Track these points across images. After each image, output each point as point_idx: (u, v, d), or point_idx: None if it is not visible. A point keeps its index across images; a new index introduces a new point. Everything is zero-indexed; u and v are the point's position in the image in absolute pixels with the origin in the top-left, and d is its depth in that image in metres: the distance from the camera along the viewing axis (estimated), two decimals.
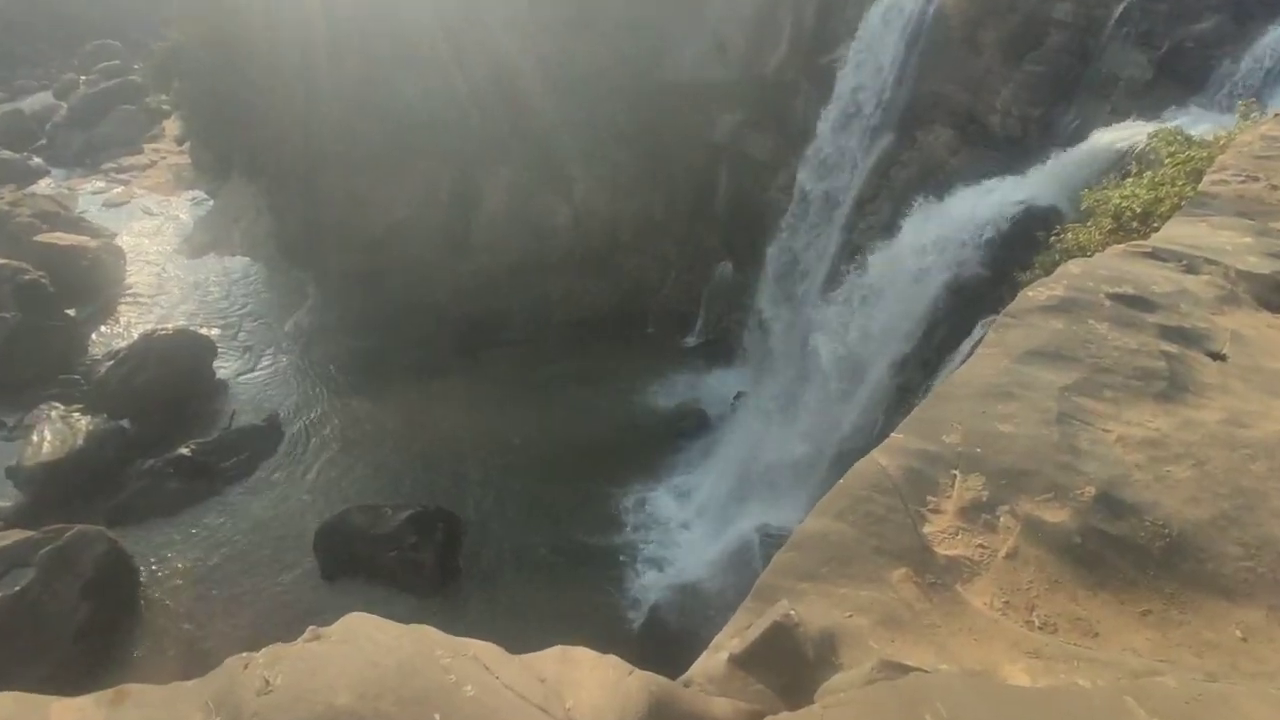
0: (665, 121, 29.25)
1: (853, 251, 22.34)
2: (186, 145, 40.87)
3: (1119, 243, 5.98)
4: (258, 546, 23.59)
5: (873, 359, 19.08)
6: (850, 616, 2.86)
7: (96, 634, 20.19)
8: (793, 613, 2.79)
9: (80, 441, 24.96)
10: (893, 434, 3.73)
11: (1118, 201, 8.96)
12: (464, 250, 31.18)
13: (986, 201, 17.81)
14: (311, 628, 2.44)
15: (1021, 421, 3.69)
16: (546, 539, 23.81)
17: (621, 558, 23.41)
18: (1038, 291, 4.58)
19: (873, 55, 22.87)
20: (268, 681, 2.31)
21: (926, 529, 3.29)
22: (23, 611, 19.41)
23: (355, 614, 2.58)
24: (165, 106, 46.19)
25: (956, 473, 3.48)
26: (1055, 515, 3.26)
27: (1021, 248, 16.92)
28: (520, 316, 31.14)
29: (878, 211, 22.64)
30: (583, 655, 2.73)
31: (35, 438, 25.05)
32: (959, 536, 3.25)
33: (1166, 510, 3.34)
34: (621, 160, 29.87)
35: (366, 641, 2.44)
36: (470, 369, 29.56)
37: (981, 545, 3.22)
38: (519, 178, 30.48)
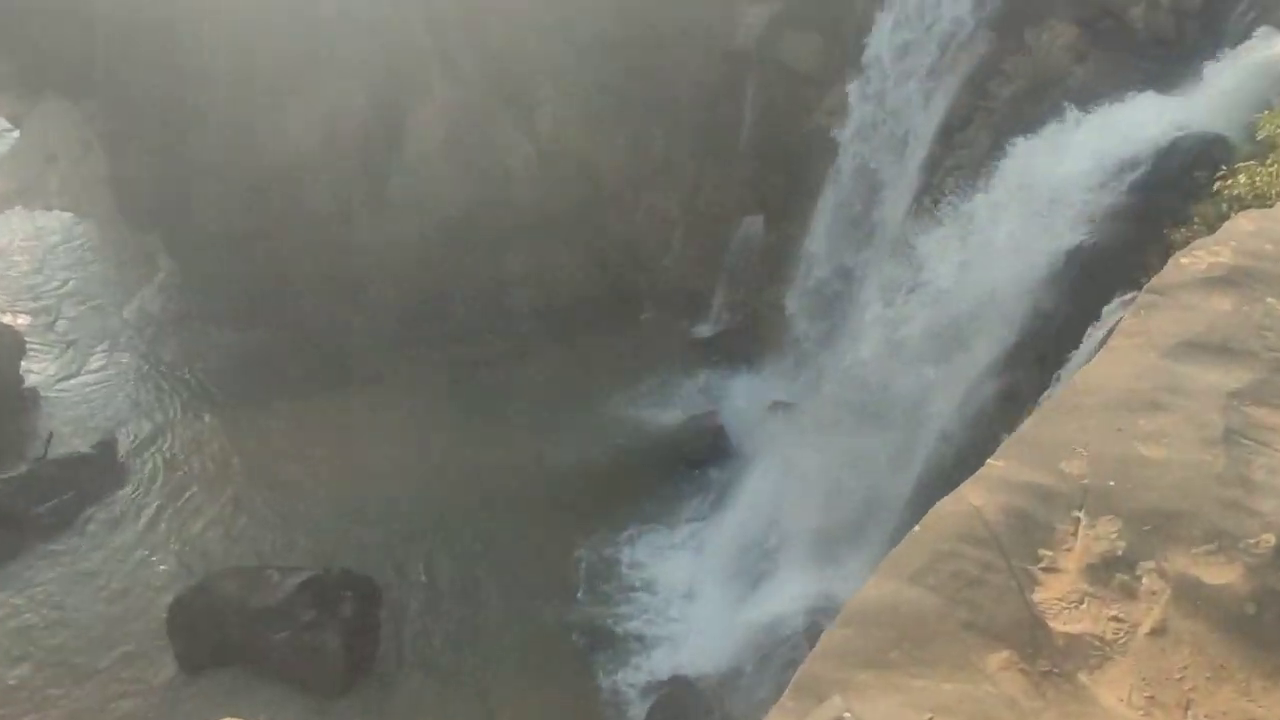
0: (666, 20, 29.32)
1: (935, 200, 22.51)
2: None
3: None
4: (85, 629, 23.40)
5: (957, 356, 19.24)
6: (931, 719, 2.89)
7: None
8: (848, 715, 2.81)
9: None
10: (990, 460, 3.77)
11: None
12: (381, 206, 31.16)
13: (1126, 129, 17.99)
14: None
15: (1173, 442, 3.74)
16: (500, 613, 23.81)
17: (604, 640, 23.45)
18: (1196, 257, 4.63)
19: None
20: None
21: (1038, 595, 3.33)
22: None
23: None
24: None
25: (1081, 515, 3.52)
26: (1220, 574, 3.30)
27: (1175, 195, 17.15)
28: (464, 300, 31.10)
29: (971, 144, 22.83)
30: None
31: None
32: (1084, 606, 3.29)
33: None
34: (606, 76, 29.88)
35: None
36: (395, 376, 29.57)
37: (1116, 618, 3.26)
38: (461, 100, 30.50)
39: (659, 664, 22.61)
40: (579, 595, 24.40)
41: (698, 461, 27.66)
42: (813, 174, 27.40)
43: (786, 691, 3.08)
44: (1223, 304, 4.29)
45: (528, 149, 31.06)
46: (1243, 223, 4.88)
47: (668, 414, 29.21)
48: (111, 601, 24.13)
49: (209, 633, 22.47)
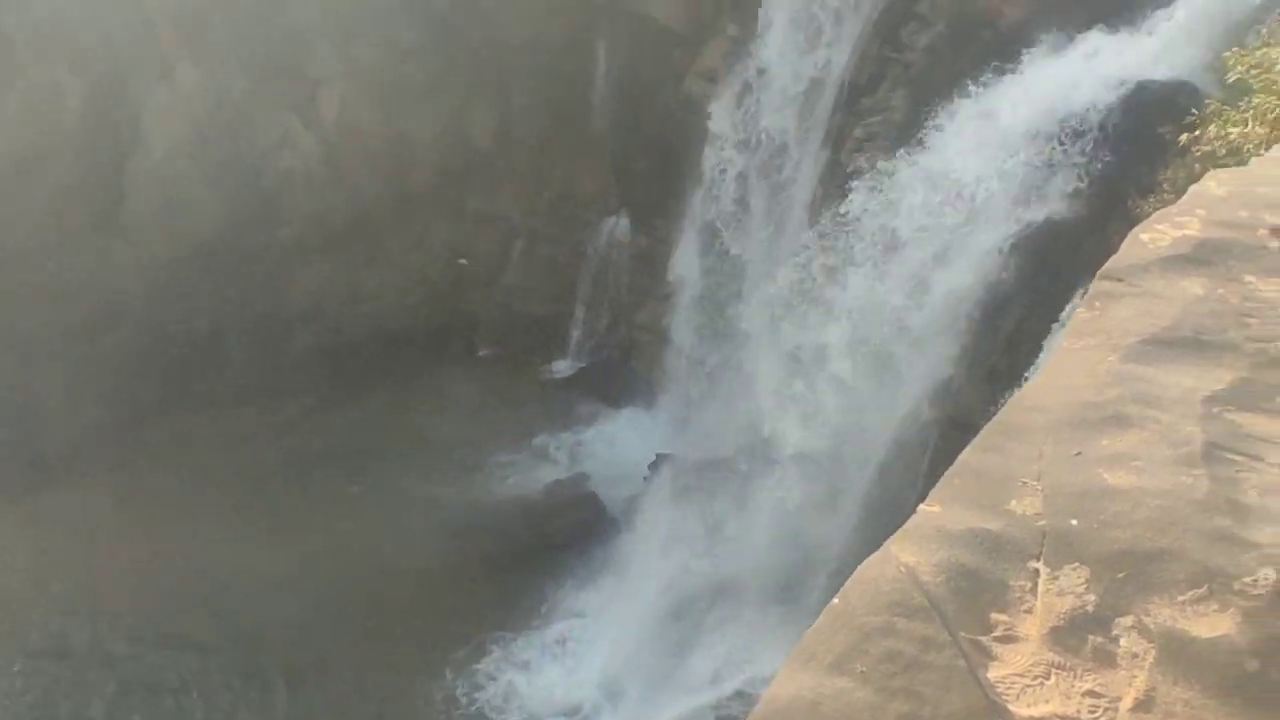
0: None
1: (843, 182, 22.97)
2: None
3: None
4: None
5: (886, 377, 19.68)
6: None
7: None
8: None
9: None
10: (923, 505, 3.85)
11: None
12: (114, 226, 30.40)
13: (1069, 80, 18.73)
14: None
15: (1145, 465, 3.87)
16: None
17: None
18: (1158, 232, 4.82)
19: None
20: None
21: (994, 673, 3.40)
22: None
23: None
24: None
25: (1039, 566, 3.61)
26: (1213, 625, 3.42)
27: (1138, 158, 17.90)
28: (238, 346, 30.47)
29: (885, 107, 23.39)
30: None
31: None
32: (1051, 681, 3.38)
33: None
34: (409, 39, 29.80)
35: None
36: (141, 458, 28.89)
37: (1092, 692, 3.35)
38: (210, 82, 30.02)
39: None
40: None
41: (565, 541, 27.50)
42: (687, 157, 27.70)
43: None
44: (1193, 287, 4.47)
45: (308, 141, 30.69)
46: (1211, 185, 5.11)
47: (523, 481, 29.07)
48: None
49: None
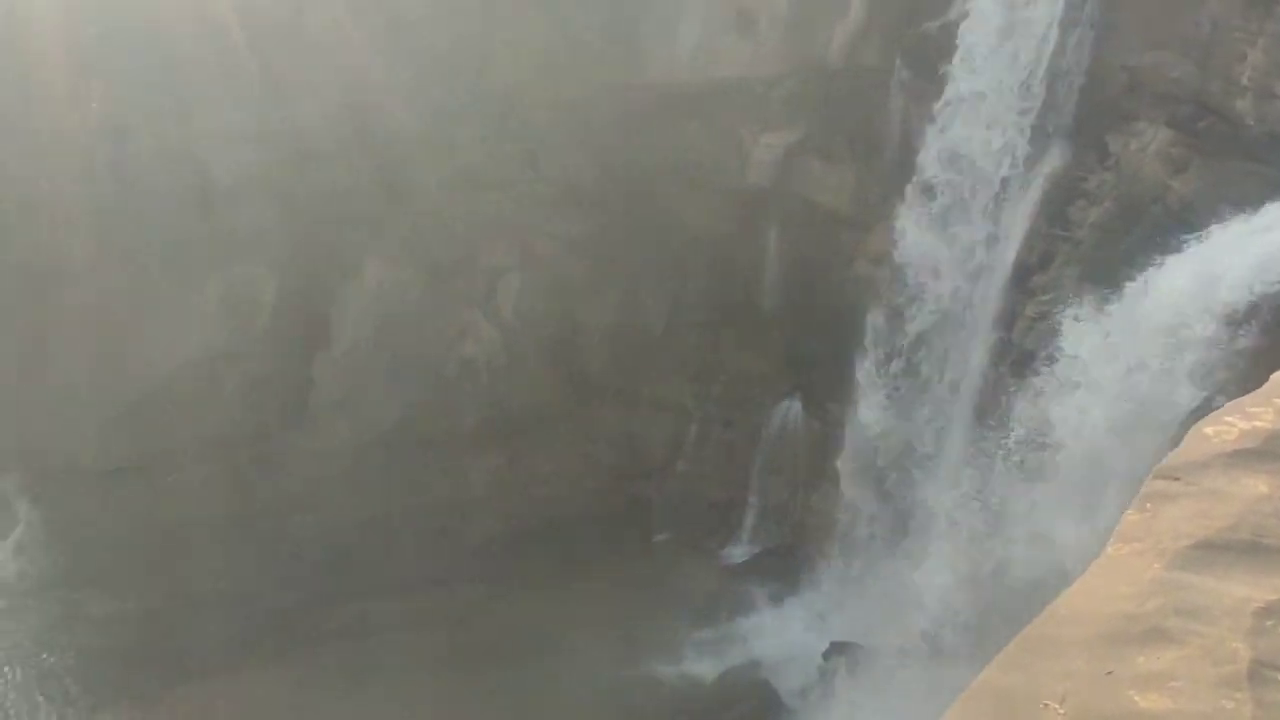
0: (656, 154, 30.07)
1: (1016, 362, 22.59)
2: None
3: None
4: None
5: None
6: None
7: None
8: None
9: None
10: None
11: None
12: (302, 419, 31.42)
13: (1254, 251, 18.16)
14: None
15: (1183, 687, 3.55)
16: None
17: None
18: (1225, 425, 4.53)
19: (1015, 11, 23.94)
20: None
21: None
22: None
23: None
24: None
25: None
26: None
27: None
28: (412, 534, 30.92)
29: (1055, 286, 23.00)
30: None
31: None
32: None
33: None
34: (582, 231, 30.50)
35: None
36: (323, 643, 29.13)
37: None
38: (397, 275, 31.09)
39: None
40: None
41: None
42: (862, 336, 27.61)
43: None
44: (1258, 485, 4.15)
45: (486, 331, 31.37)
46: None
47: (697, 668, 28.62)
48: None
49: None
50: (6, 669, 30.11)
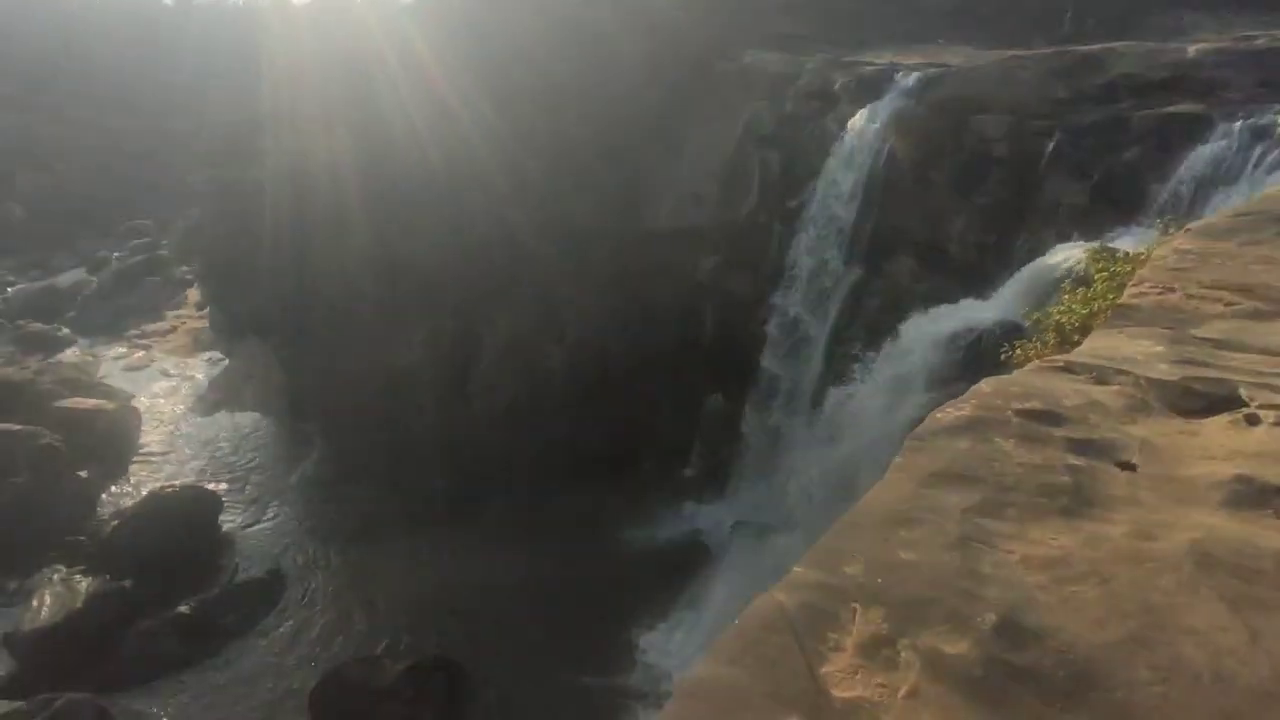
0: (651, 265, 30.17)
1: (833, 379, 22.56)
2: (205, 310, 42.22)
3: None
4: (254, 708, 22.39)
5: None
6: None
7: None
8: None
9: (79, 605, 24.24)
10: (794, 567, 3.54)
11: (1057, 318, 9.07)
12: (464, 397, 31.41)
13: (950, 322, 18.15)
14: None
15: (923, 547, 3.51)
16: (554, 685, 22.58)
17: (632, 699, 22.10)
18: (946, 412, 4.49)
19: (835, 196, 23.99)
20: None
21: (825, 669, 3.04)
22: None
23: None
24: (188, 276, 48.14)
25: (857, 606, 3.26)
26: (955, 646, 3.02)
27: (991, 365, 17.15)
28: (520, 459, 30.79)
29: (854, 338, 23.00)
30: None
31: (34, 602, 24.39)
32: (858, 676, 3.01)
33: (1071, 634, 3.10)
34: (611, 303, 30.55)
35: None
36: (469, 516, 28.91)
37: (882, 684, 2.97)
38: (515, 324, 31.15)
39: None
40: (635, 669, 23.14)
41: (688, 568, 26.58)
42: (753, 363, 27.60)
43: None
44: (962, 444, 4.12)
45: (559, 354, 31.44)
46: (983, 386, 4.77)
47: (665, 535, 28.42)
48: (273, 682, 23.17)
49: (338, 707, 21.34)
50: (315, 527, 30.05)
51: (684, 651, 23.19)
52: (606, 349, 31.16)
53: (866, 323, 22.30)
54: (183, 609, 24.68)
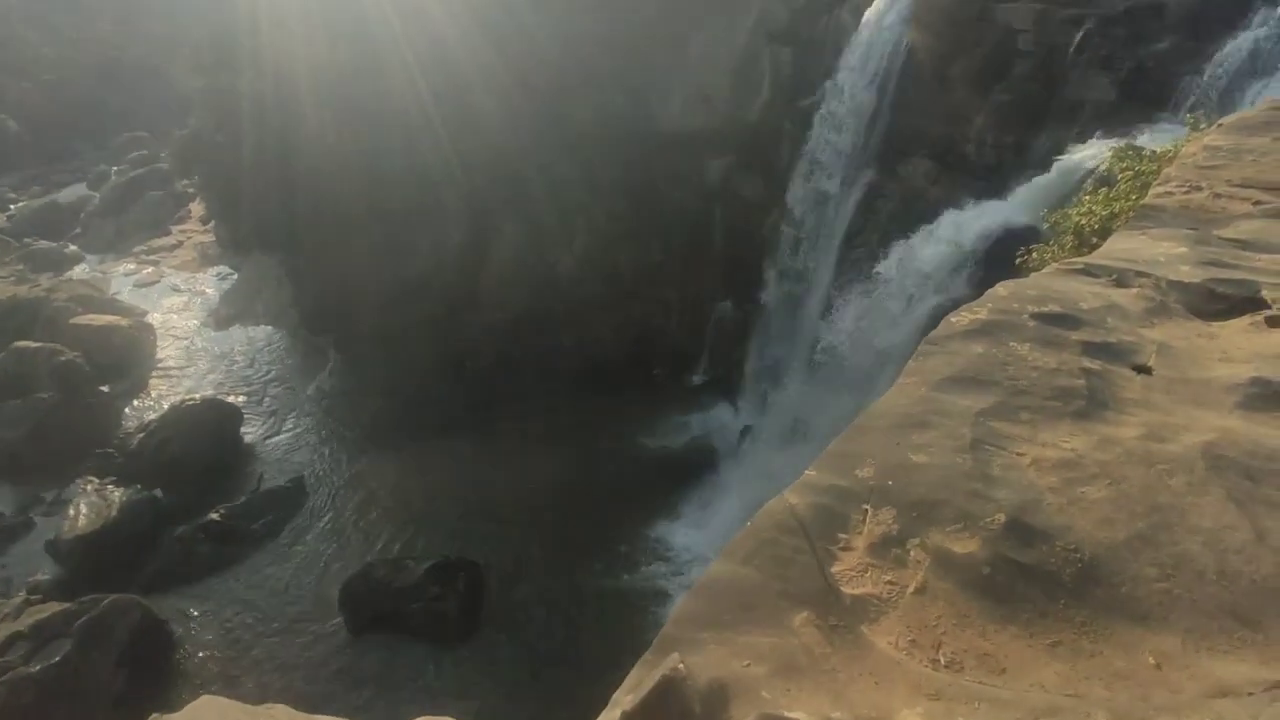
0: (659, 170, 29.46)
1: (843, 285, 22.31)
2: (210, 225, 41.85)
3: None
4: (286, 605, 23.47)
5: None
6: (748, 665, 2.69)
7: (134, 700, 20.10)
8: (681, 665, 2.64)
9: (114, 513, 25.16)
10: (806, 471, 3.58)
11: (1076, 219, 8.84)
12: (474, 306, 31.38)
13: (967, 225, 17.75)
14: (155, 715, 2.34)
15: (935, 450, 3.53)
16: (569, 582, 23.43)
17: (645, 595, 22.99)
18: (960, 317, 4.43)
19: (851, 95, 23.08)
20: None
21: (835, 568, 3.12)
22: (62, 681, 19.49)
23: (205, 697, 2.47)
24: (190, 190, 47.48)
25: (868, 507, 3.32)
26: (964, 546, 3.08)
27: (1006, 268, 16.87)
28: (531, 367, 31.04)
29: (866, 243, 22.60)
30: None
31: (72, 511, 25.31)
32: (867, 574, 3.08)
33: (1079, 534, 3.15)
34: (620, 209, 30.04)
35: None
36: (485, 421, 29.34)
37: (890, 582, 3.05)
38: (524, 232, 30.78)
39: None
40: (647, 567, 23.83)
41: (698, 471, 27.11)
42: (764, 269, 27.31)
43: (650, 648, 2.91)
44: (977, 348, 4.08)
45: (569, 261, 31.09)
46: (999, 289, 4.69)
47: (675, 439, 28.81)
48: (303, 584, 24.16)
49: (366, 605, 22.35)
50: (332, 436, 30.66)
51: (697, 548, 23.99)
52: (614, 256, 30.86)
53: (878, 227, 21.85)
54: (213, 516, 25.56)
